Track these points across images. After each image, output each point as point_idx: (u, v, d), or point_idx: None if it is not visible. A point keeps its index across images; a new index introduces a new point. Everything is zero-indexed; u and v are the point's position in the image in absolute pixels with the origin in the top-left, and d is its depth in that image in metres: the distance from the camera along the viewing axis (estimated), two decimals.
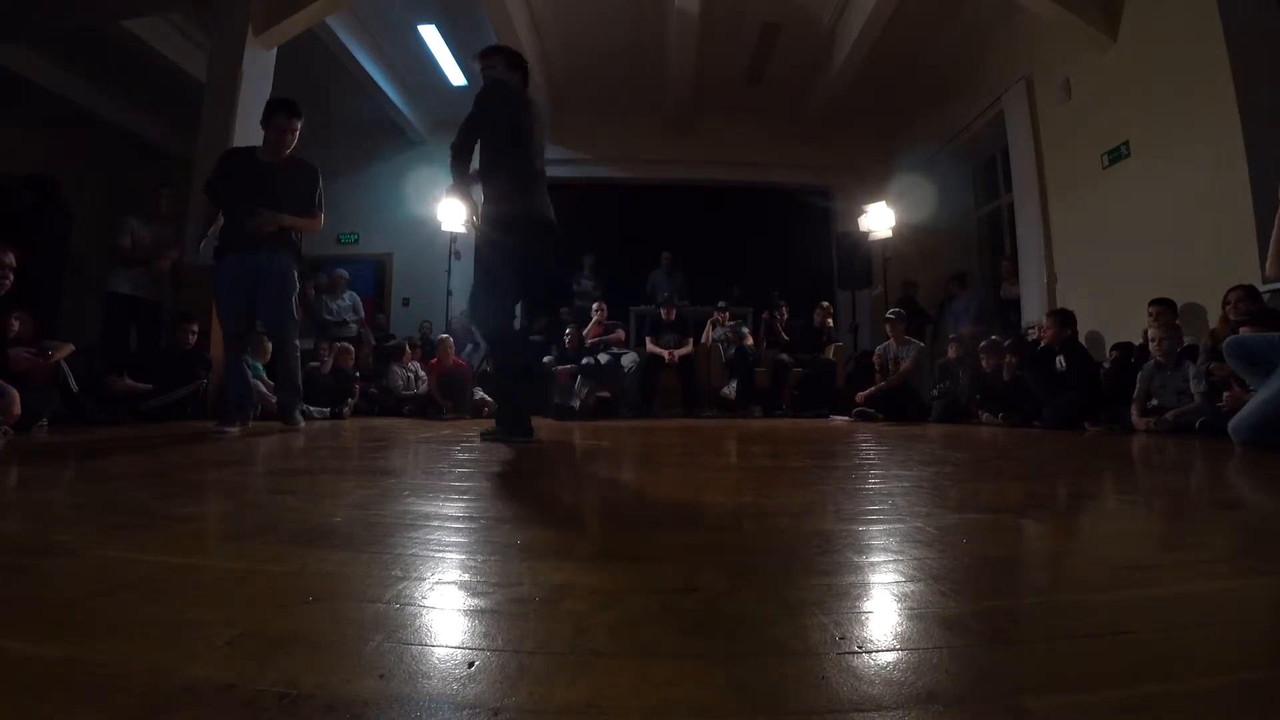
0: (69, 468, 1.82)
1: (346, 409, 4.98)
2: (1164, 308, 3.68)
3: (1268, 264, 2.57)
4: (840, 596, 0.65)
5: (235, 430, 2.89)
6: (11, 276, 3.02)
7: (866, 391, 5.10)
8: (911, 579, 0.70)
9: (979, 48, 6.31)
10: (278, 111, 3.09)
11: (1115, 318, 4.56)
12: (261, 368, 4.46)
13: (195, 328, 4.23)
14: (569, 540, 0.92)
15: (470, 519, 1.05)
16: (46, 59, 5.86)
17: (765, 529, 1.01)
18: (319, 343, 5.49)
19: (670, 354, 5.77)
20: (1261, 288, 3.34)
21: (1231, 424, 2.48)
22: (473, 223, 2.65)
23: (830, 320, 6.41)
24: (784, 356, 5.86)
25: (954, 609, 0.60)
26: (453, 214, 6.14)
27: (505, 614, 0.59)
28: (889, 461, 2.04)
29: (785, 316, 6.33)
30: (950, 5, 5.85)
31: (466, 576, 0.72)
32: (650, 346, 5.88)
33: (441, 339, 5.83)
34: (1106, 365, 4.24)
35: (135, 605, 0.61)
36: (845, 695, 0.43)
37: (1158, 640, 0.54)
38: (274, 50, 4.81)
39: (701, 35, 5.98)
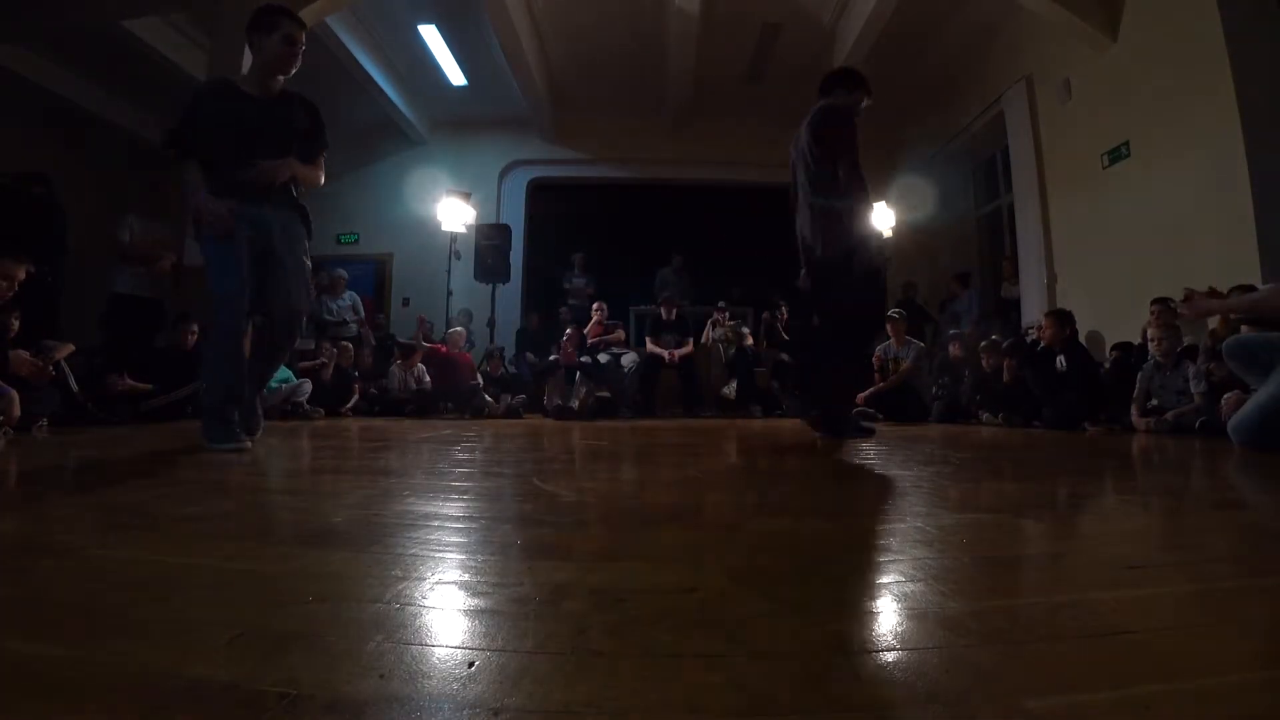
0: (69, 468, 1.82)
1: (345, 409, 5.00)
2: (1165, 307, 3.68)
3: None
4: (840, 596, 0.65)
5: (248, 444, 2.14)
6: (16, 288, 3.03)
7: (867, 392, 5.10)
8: (911, 579, 0.70)
9: (979, 48, 6.31)
10: (280, 19, 2.19)
11: (1115, 318, 4.57)
12: None
13: (195, 328, 4.24)
14: (569, 540, 0.92)
15: (470, 519, 1.05)
16: (46, 59, 5.86)
17: (765, 529, 1.01)
18: (320, 343, 5.50)
19: (670, 354, 5.77)
20: (1262, 288, 3.33)
21: (1231, 424, 2.48)
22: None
23: None
24: (784, 356, 5.87)
25: (954, 609, 0.60)
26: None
27: (505, 614, 0.59)
28: (889, 461, 2.04)
29: (785, 316, 6.34)
30: (950, 5, 5.85)
31: (466, 576, 0.72)
32: (650, 346, 5.89)
33: (455, 332, 5.84)
34: (1106, 365, 4.24)
35: (135, 605, 0.61)
36: (845, 695, 0.43)
37: (1158, 640, 0.54)
38: None
39: (701, 35, 5.98)
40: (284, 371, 4.47)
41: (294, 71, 2.29)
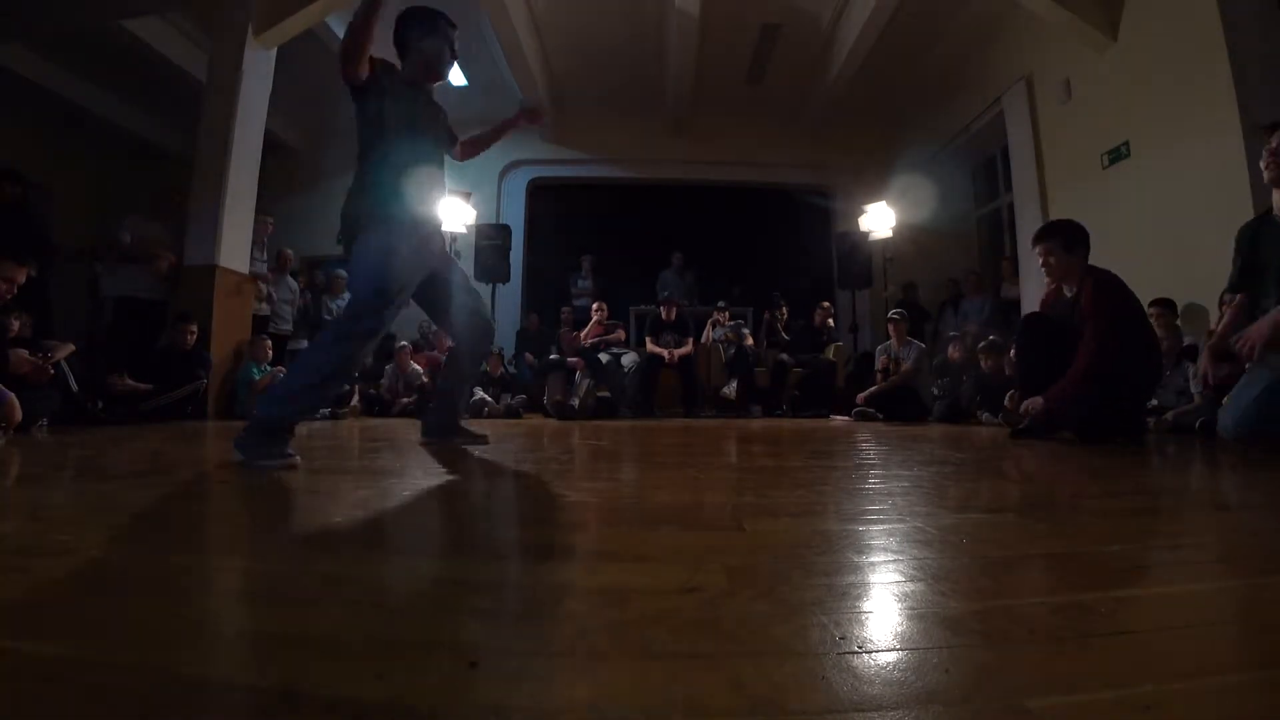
0: (69, 468, 1.82)
1: (346, 409, 5.00)
2: (1164, 309, 3.68)
3: None
4: (840, 596, 0.65)
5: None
6: (15, 290, 3.03)
7: (867, 391, 5.10)
8: (911, 579, 0.70)
9: (979, 48, 6.31)
10: (444, 24, 2.05)
11: None
12: (258, 371, 4.51)
13: (194, 328, 4.24)
14: (569, 540, 0.92)
15: (470, 519, 1.05)
16: (46, 59, 5.87)
17: (765, 529, 1.01)
18: None
19: (670, 354, 5.77)
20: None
21: (1229, 420, 2.44)
22: None
23: (830, 320, 6.42)
24: (784, 356, 5.87)
25: (954, 609, 0.60)
26: None
27: (505, 614, 0.59)
28: (889, 461, 2.04)
29: (785, 316, 6.34)
30: (950, 5, 5.85)
31: (469, 576, 0.72)
32: (650, 346, 5.88)
33: (437, 329, 5.84)
34: None
35: (135, 605, 0.61)
36: (845, 695, 0.43)
37: (1158, 640, 0.54)
38: (274, 50, 4.81)
39: (701, 35, 5.98)
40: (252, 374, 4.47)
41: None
